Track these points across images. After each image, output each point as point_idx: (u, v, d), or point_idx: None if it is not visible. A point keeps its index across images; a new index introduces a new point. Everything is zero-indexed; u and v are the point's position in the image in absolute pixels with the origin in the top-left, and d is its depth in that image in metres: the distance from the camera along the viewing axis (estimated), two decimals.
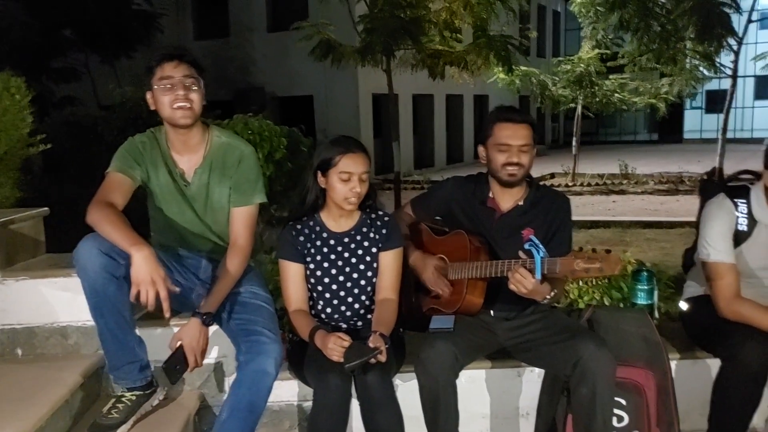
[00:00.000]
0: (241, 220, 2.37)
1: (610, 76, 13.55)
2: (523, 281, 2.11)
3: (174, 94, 2.20)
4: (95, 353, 2.41)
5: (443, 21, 8.77)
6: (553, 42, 27.20)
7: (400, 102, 17.06)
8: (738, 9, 8.51)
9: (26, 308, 2.43)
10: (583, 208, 10.55)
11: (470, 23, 8.80)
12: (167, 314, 2.03)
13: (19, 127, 2.66)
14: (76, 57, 13.47)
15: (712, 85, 16.22)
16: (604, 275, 2.03)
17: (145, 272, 1.97)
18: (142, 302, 1.98)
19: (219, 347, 2.47)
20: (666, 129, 27.17)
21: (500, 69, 10.28)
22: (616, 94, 13.55)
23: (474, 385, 2.53)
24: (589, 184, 13.56)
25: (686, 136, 27.81)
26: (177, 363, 2.16)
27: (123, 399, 2.21)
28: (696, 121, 27.96)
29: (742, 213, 2.37)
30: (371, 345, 2.09)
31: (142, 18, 14.03)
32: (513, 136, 2.35)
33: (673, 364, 2.47)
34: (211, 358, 2.48)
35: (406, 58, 9.25)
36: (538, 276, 2.10)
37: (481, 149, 2.49)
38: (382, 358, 2.08)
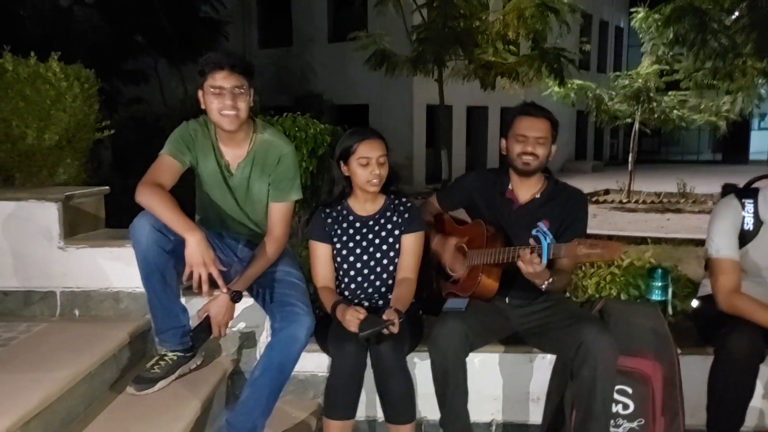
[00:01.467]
0: (278, 214, 2.57)
1: (669, 93, 13.32)
2: (531, 263, 2.25)
3: (222, 102, 2.36)
4: (143, 317, 2.66)
5: (496, 32, 8.88)
6: (615, 57, 26.83)
7: (454, 113, 17.17)
8: None
9: (85, 274, 2.71)
10: (635, 224, 10.39)
11: (524, 35, 8.90)
12: (224, 290, 2.29)
13: (87, 113, 2.95)
14: (146, 60, 14.19)
15: None
16: (605, 260, 2.15)
17: (199, 255, 2.19)
18: (194, 282, 2.21)
19: (251, 318, 2.70)
20: (731, 149, 26.23)
21: (554, 81, 10.32)
22: (675, 111, 13.29)
23: (487, 369, 2.67)
24: (644, 202, 13.31)
25: (752, 156, 26.78)
26: (202, 331, 2.38)
27: (165, 358, 2.45)
28: (764, 142, 26.92)
29: (748, 213, 2.45)
30: (384, 318, 2.27)
31: (209, 25, 14.64)
32: (531, 127, 2.51)
33: (684, 359, 2.55)
34: (243, 327, 2.72)
35: (458, 68, 9.41)
36: (545, 260, 2.24)
37: (503, 142, 2.65)
38: (394, 329, 2.26)
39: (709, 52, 8.36)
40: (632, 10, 12.32)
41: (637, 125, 13.44)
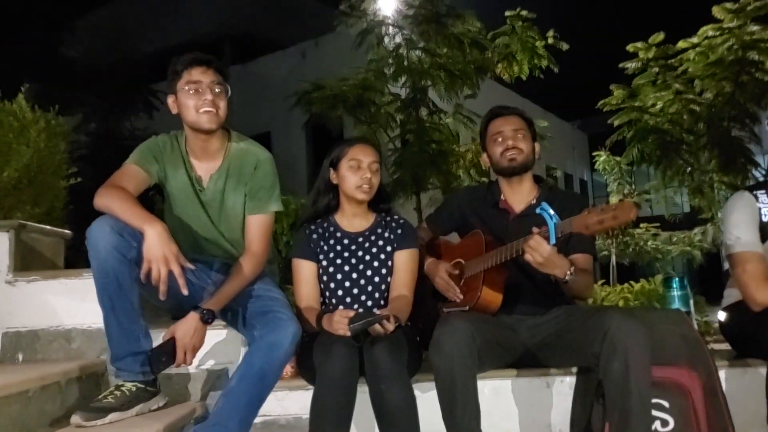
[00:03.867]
0: (255, 228, 2.31)
1: (641, 225, 13.60)
2: (538, 247, 2.02)
3: (201, 98, 2.17)
4: (98, 358, 2.31)
5: (470, 161, 9.13)
6: None
7: None
8: (758, 141, 8.69)
9: (33, 311, 2.39)
10: None
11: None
12: (184, 291, 1.94)
13: (52, 152, 2.77)
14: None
15: None
16: (620, 223, 1.92)
17: (158, 248, 1.91)
18: (153, 279, 1.90)
19: (224, 354, 2.35)
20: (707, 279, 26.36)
21: None
22: (650, 243, 13.49)
23: (499, 398, 2.31)
24: None
25: None
26: (164, 355, 2.02)
27: (122, 388, 2.06)
28: None
29: (764, 203, 2.30)
30: (377, 313, 1.98)
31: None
32: (504, 123, 2.42)
33: (721, 373, 2.23)
34: (215, 365, 2.35)
35: (435, 198, 9.55)
36: (553, 241, 2.01)
37: (484, 156, 2.53)
38: (389, 326, 1.96)
39: (676, 168, 8.62)
40: (594, 153, 12.95)
41: (614, 258, 13.52)
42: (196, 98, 2.19)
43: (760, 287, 2.17)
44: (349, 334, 1.95)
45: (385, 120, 8.51)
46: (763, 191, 2.31)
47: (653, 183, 10.34)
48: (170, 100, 2.26)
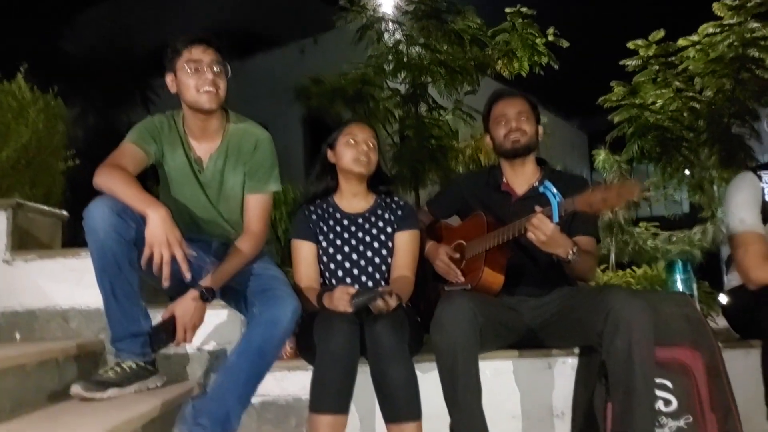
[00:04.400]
0: (255, 208, 2.28)
1: (640, 223, 13.58)
2: (541, 225, 2.00)
3: (201, 78, 2.15)
4: (97, 337, 2.29)
5: (469, 156, 9.10)
6: None
7: None
8: (758, 137, 8.69)
9: (31, 290, 2.38)
10: None
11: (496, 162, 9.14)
12: (188, 276, 1.92)
13: (51, 133, 2.75)
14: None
15: None
16: (625, 200, 1.91)
17: (161, 232, 1.88)
18: (155, 265, 1.87)
19: (223, 334, 2.33)
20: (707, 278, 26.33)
21: None
22: (649, 242, 13.46)
23: (500, 379, 2.28)
24: None
25: None
26: (164, 331, 2.00)
27: (122, 365, 2.05)
28: None
29: (767, 183, 2.28)
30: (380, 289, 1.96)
31: None
32: (508, 105, 2.41)
33: (724, 354, 2.21)
34: (214, 346, 2.33)
35: (435, 192, 9.52)
36: (556, 219, 2.00)
37: (486, 138, 2.52)
38: (392, 301, 1.94)
39: (676, 165, 8.62)
40: (593, 151, 12.92)
41: (613, 257, 13.49)
42: (197, 77, 2.16)
43: (759, 266, 2.16)
44: (350, 310, 1.93)
45: (384, 115, 8.49)
46: (767, 171, 2.30)
47: (653, 179, 10.35)
48: (169, 78, 2.23)
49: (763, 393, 2.08)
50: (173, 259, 1.89)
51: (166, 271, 1.88)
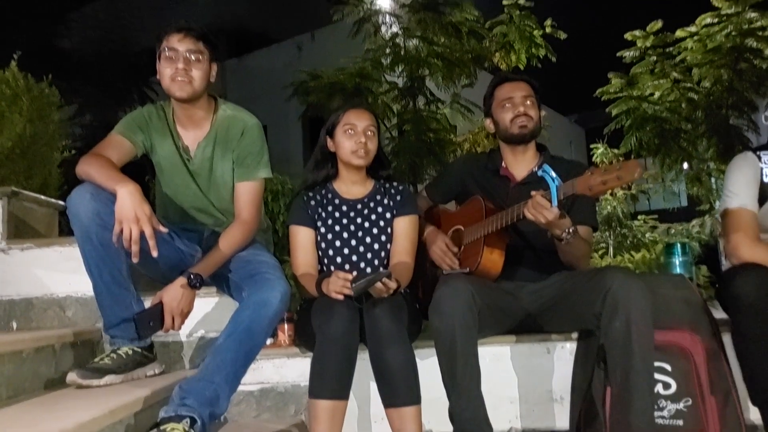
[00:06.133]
0: (245, 196, 2.27)
1: (639, 217, 13.58)
2: (542, 208, 1.99)
3: (174, 66, 2.14)
4: (93, 326, 2.28)
5: (467, 150, 9.09)
6: None
7: None
8: (756, 129, 8.68)
9: (28, 279, 2.37)
10: None
11: None
12: (154, 253, 1.89)
13: (46, 122, 2.74)
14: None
15: None
16: (625, 182, 1.90)
17: (129, 207, 1.86)
18: (124, 240, 1.85)
19: (217, 321, 2.31)
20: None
21: None
22: (647, 235, 13.45)
23: (499, 364, 2.28)
24: None
25: None
26: (152, 319, 1.98)
27: (119, 351, 2.05)
28: None
29: (766, 164, 2.27)
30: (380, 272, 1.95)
31: None
32: (514, 89, 2.38)
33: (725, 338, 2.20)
34: (207, 332, 2.32)
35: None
36: (555, 203, 1.98)
37: (487, 121, 2.51)
38: (392, 283, 1.93)
39: (674, 156, 8.60)
40: (592, 146, 12.92)
41: (611, 251, 13.50)
42: (170, 66, 2.15)
43: (748, 245, 2.13)
44: (350, 293, 1.92)
45: (383, 110, 8.47)
46: (767, 152, 2.28)
47: (651, 172, 10.33)
48: (158, 67, 2.22)
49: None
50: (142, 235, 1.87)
51: (135, 249, 1.86)
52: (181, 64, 2.14)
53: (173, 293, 2.00)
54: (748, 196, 2.22)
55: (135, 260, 1.89)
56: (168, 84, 2.17)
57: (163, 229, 1.95)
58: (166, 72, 2.16)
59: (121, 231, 1.85)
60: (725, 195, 2.26)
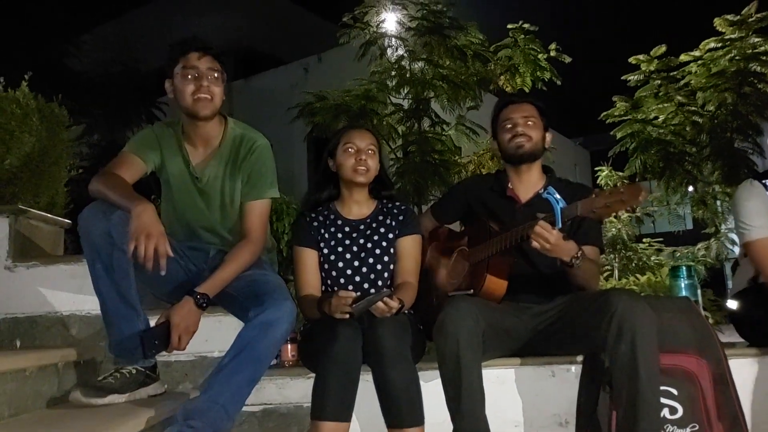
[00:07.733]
0: (253, 215, 2.26)
1: (644, 239, 13.54)
2: (544, 233, 1.99)
3: (196, 84, 2.16)
4: (98, 345, 2.27)
5: (471, 172, 9.10)
6: None
7: None
8: (761, 152, 8.66)
9: (32, 297, 2.37)
10: None
11: None
12: (163, 271, 1.91)
13: (54, 142, 2.76)
14: None
15: None
16: (629, 206, 1.90)
17: (144, 225, 1.88)
18: (139, 256, 1.87)
19: (223, 341, 2.29)
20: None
21: None
22: (653, 258, 13.40)
23: (503, 387, 2.26)
24: None
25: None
26: (157, 338, 1.98)
27: (122, 371, 2.03)
28: None
29: None
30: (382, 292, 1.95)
31: None
32: (515, 110, 2.41)
33: (733, 362, 2.18)
34: (214, 352, 2.31)
35: None
36: (559, 225, 1.99)
37: (494, 144, 2.52)
38: (393, 303, 1.93)
39: (679, 179, 8.59)
40: (596, 168, 12.92)
41: (616, 273, 13.44)
42: (192, 84, 2.17)
43: None
44: (351, 312, 1.91)
45: (388, 131, 8.50)
46: None
47: (656, 195, 10.31)
48: (167, 84, 2.24)
49: None
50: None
51: (149, 264, 1.88)
52: (204, 81, 2.16)
53: (180, 313, 2.00)
54: (765, 224, 2.24)
55: (149, 266, 1.88)
56: (189, 102, 2.17)
57: (170, 253, 1.95)
58: (187, 89, 2.17)
59: (136, 247, 1.87)
60: (743, 228, 2.27)
